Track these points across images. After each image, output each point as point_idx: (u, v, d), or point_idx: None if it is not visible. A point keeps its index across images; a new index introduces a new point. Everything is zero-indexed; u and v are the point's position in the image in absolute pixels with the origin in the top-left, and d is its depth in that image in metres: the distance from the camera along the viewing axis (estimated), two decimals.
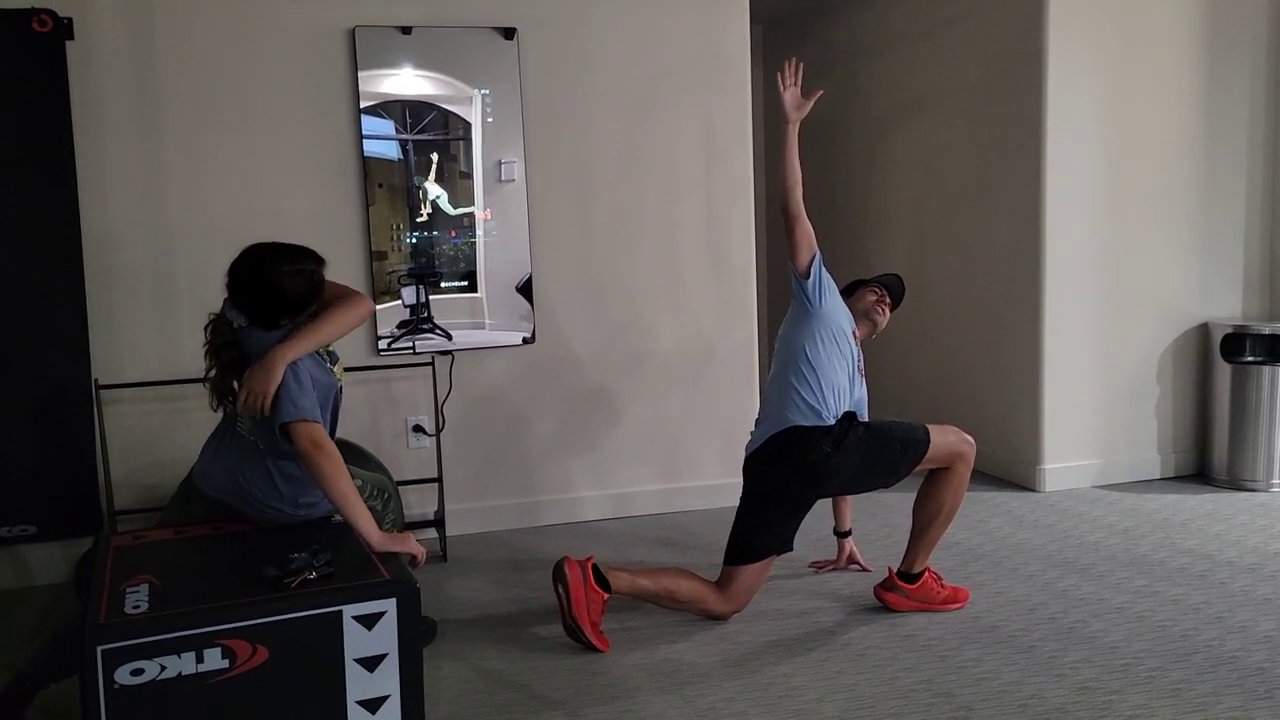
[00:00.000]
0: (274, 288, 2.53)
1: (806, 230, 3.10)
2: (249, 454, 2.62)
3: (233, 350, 2.54)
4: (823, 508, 3.53)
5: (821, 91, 3.19)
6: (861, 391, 3.28)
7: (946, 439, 3.16)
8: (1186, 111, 4.64)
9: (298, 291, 2.57)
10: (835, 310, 3.20)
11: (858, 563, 3.65)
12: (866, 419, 3.27)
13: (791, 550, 3.22)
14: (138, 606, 2.07)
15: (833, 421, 3.09)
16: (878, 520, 4.20)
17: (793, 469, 3.09)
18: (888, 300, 3.42)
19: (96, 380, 3.63)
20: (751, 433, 3.27)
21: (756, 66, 6.41)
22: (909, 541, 3.26)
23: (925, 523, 3.22)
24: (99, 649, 1.96)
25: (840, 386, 3.13)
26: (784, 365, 3.17)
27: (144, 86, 3.77)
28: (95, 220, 3.69)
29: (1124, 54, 4.51)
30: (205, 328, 2.61)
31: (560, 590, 2.99)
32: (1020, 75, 4.54)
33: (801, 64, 3.17)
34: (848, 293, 3.38)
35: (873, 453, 3.11)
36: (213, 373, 2.59)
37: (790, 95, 3.13)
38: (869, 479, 3.17)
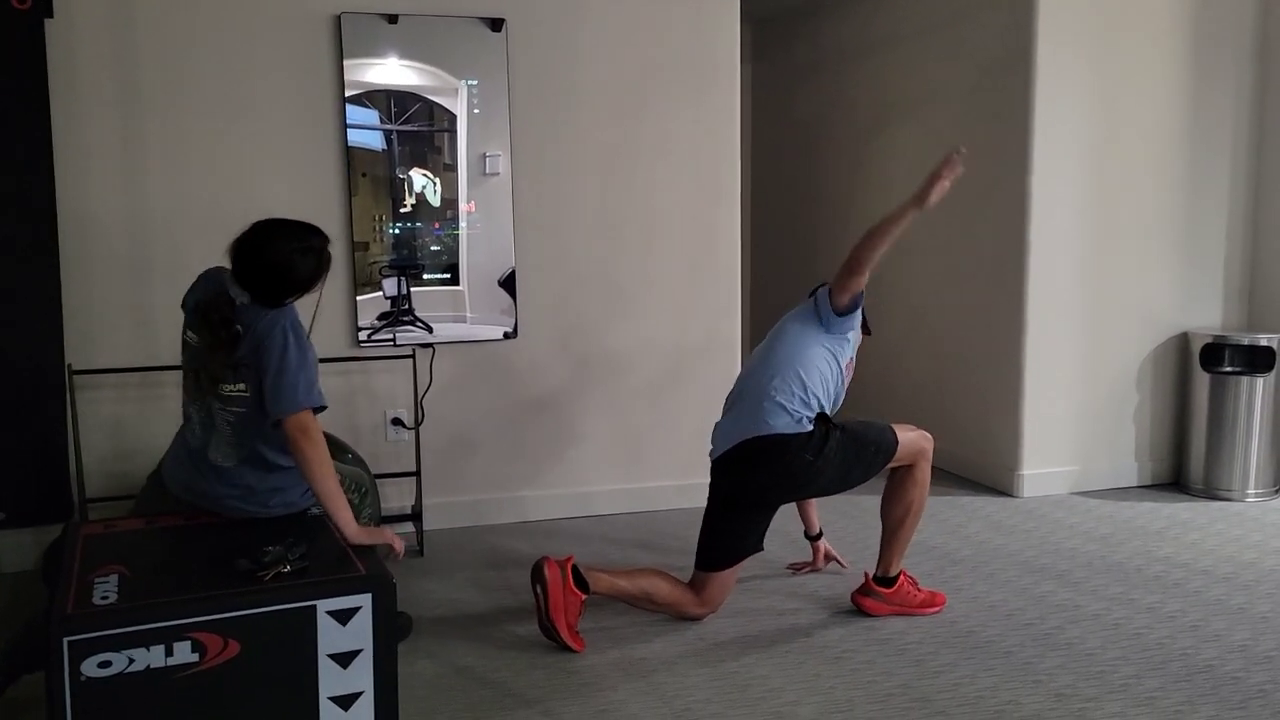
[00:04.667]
0: (284, 266, 2.49)
1: (862, 282, 3.08)
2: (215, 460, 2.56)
3: (231, 327, 2.47)
4: (790, 510, 3.53)
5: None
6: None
7: (909, 436, 3.19)
8: (1172, 122, 4.66)
9: (307, 270, 2.53)
10: (850, 338, 3.21)
11: (835, 559, 3.64)
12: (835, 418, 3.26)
13: (762, 550, 3.21)
14: (106, 597, 2.04)
15: (810, 426, 3.08)
16: (854, 521, 4.19)
17: (772, 476, 3.08)
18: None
19: (70, 365, 3.57)
20: (717, 424, 3.23)
21: (745, 65, 6.41)
22: (881, 545, 3.26)
23: (896, 522, 3.22)
24: (65, 640, 1.92)
25: (824, 401, 3.13)
26: (772, 368, 3.12)
27: (124, 68, 3.71)
28: (72, 203, 3.63)
29: (1111, 63, 4.52)
30: (196, 306, 2.52)
31: (538, 590, 2.96)
32: (1008, 82, 4.54)
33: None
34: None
35: (850, 457, 3.11)
36: (198, 349, 2.51)
37: (939, 189, 3.08)
38: (845, 482, 3.17)
